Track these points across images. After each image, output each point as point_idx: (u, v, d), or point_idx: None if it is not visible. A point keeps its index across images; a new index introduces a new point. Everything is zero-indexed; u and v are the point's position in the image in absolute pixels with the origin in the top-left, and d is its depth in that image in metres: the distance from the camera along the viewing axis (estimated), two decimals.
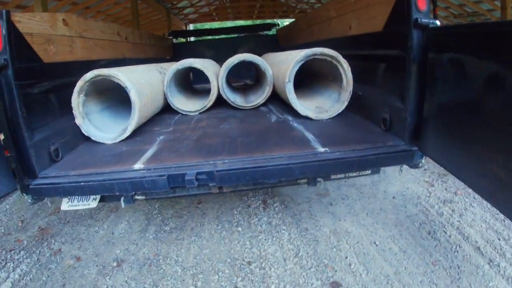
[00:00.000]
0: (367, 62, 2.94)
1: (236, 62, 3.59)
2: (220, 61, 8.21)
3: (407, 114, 2.25)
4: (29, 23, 2.34)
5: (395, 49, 2.44)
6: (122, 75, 2.69)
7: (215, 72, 3.82)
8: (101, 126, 2.85)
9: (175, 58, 7.45)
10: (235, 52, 8.14)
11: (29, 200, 2.18)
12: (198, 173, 2.02)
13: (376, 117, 2.68)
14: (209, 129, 2.91)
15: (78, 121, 2.70)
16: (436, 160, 2.16)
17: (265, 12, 17.45)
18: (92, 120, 2.82)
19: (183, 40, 9.72)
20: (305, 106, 3.08)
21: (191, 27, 18.23)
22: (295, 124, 2.88)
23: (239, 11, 16.69)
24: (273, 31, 9.04)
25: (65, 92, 2.67)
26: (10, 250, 3.13)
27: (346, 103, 2.99)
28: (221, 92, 3.63)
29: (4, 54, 2.05)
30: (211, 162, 2.15)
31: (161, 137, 2.78)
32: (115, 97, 3.29)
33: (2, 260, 2.99)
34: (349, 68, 2.91)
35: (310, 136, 2.51)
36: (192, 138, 2.67)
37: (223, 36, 9.42)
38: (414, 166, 2.33)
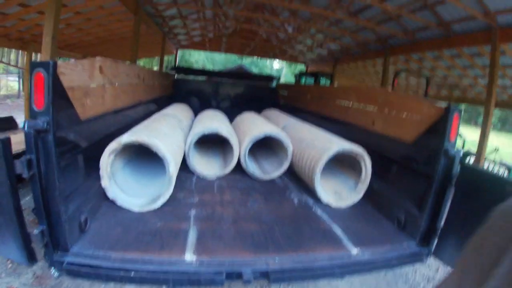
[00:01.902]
0: (387, 162, 3.17)
1: (261, 136, 3.68)
2: (217, 101, 8.35)
3: (423, 222, 2.58)
4: (72, 75, 2.21)
5: (420, 164, 2.74)
6: (163, 145, 2.69)
7: (235, 136, 3.90)
8: (125, 188, 2.79)
9: (175, 95, 7.54)
10: (233, 97, 8.34)
11: (55, 275, 1.99)
12: (253, 271, 2.09)
13: (390, 214, 2.94)
14: (239, 207, 2.97)
15: (105, 182, 2.62)
16: (451, 264, 2.47)
17: (256, 51, 18.00)
18: (117, 181, 2.76)
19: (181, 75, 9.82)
20: (323, 189, 3.23)
21: (179, 53, 18.38)
22: (319, 212, 3.01)
23: (231, 45, 17.10)
24: (273, 84, 9.32)
25: (92, 150, 2.56)
26: None
27: (362, 194, 3.22)
28: (242, 162, 3.70)
29: (46, 114, 1.84)
30: (263, 259, 2.21)
31: (193, 212, 2.77)
32: (134, 151, 3.30)
33: None
34: (371, 164, 3.14)
35: (338, 230, 2.67)
36: (227, 220, 2.70)
37: (222, 79, 9.58)
38: (421, 262, 2.60)
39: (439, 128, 2.52)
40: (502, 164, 12.65)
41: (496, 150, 13.87)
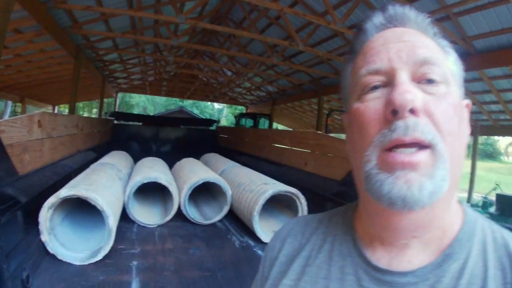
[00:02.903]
0: (321, 199, 3.40)
1: (200, 183, 3.78)
2: (157, 146, 8.36)
3: None
4: (11, 132, 2.26)
5: (351, 199, 2.96)
6: (101, 198, 2.69)
7: (174, 183, 3.96)
8: (65, 242, 2.71)
9: (115, 141, 7.46)
10: (174, 141, 8.41)
11: None
12: None
13: None
14: (181, 255, 2.98)
15: (44, 237, 2.55)
16: None
17: (197, 94, 18.33)
18: (57, 235, 2.69)
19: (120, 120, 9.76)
20: (262, 230, 3.37)
21: (118, 96, 18.22)
22: (260, 252, 3.12)
23: (172, 89, 17.29)
24: (213, 127, 9.53)
25: (31, 205, 2.53)
26: None
27: None
28: (182, 209, 3.74)
29: None
30: None
31: (135, 263, 2.74)
32: (73, 204, 3.24)
33: None
34: (306, 203, 3.34)
35: None
36: (170, 269, 2.70)
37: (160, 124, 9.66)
38: None
39: None
40: None
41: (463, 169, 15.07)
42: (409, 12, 0.66)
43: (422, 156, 0.53)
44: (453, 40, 6.65)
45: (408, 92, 0.54)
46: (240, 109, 22.30)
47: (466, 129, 0.64)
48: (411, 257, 0.60)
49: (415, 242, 0.60)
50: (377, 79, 0.60)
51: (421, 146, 0.54)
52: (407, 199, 0.52)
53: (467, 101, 0.67)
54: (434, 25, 0.66)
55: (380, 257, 0.62)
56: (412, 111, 0.54)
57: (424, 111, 0.55)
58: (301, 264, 0.70)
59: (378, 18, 0.67)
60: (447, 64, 0.63)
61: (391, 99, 0.55)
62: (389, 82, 0.59)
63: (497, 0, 5.36)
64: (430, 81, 0.58)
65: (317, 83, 11.42)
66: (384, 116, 0.56)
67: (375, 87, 0.60)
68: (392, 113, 0.55)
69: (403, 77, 0.57)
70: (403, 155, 0.53)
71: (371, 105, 0.59)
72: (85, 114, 33.83)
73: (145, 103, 37.91)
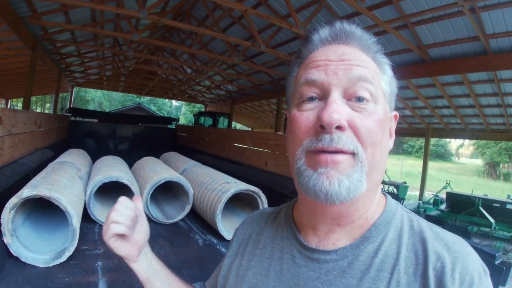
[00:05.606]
0: (282, 197, 3.56)
1: (162, 181, 3.80)
2: (115, 144, 8.24)
3: None
4: None
5: None
6: (64, 198, 2.67)
7: (136, 183, 3.97)
8: (28, 244, 2.66)
9: (71, 138, 7.27)
10: (132, 139, 8.30)
11: None
12: None
13: None
14: None
15: (7, 239, 2.50)
16: None
17: (155, 91, 18.03)
18: (19, 237, 2.64)
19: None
20: (225, 227, 3.48)
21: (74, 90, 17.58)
22: (223, 250, 3.21)
23: (130, 85, 16.89)
24: (172, 125, 9.49)
25: None
26: None
27: None
28: (144, 208, 3.71)
29: None
30: None
31: (100, 264, 2.75)
32: (33, 204, 3.19)
33: None
34: (266, 201, 3.49)
35: None
36: None
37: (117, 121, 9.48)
38: None
39: None
40: (391, 183, 14.17)
41: (384, 171, 15.74)
42: (355, 30, 0.75)
43: (342, 157, 0.66)
44: (409, 48, 7.08)
45: (336, 112, 0.65)
46: (199, 107, 22.19)
47: (390, 138, 0.78)
48: (336, 240, 0.75)
49: (339, 229, 0.75)
50: (313, 91, 0.72)
51: (343, 152, 0.66)
52: (329, 194, 0.65)
53: (395, 113, 0.81)
54: (377, 43, 0.76)
55: (311, 240, 0.78)
56: (339, 127, 0.66)
57: (350, 126, 0.67)
58: (253, 247, 0.89)
59: (324, 33, 0.76)
60: (380, 83, 0.74)
61: (321, 116, 0.67)
62: (324, 96, 0.71)
63: (453, 12, 5.79)
64: (359, 99, 0.69)
65: (277, 84, 11.63)
66: (314, 127, 0.69)
67: (312, 98, 0.72)
68: (321, 127, 0.67)
69: (335, 95, 0.68)
70: (326, 154, 0.66)
71: (305, 114, 0.72)
72: (38, 109, 32.23)
73: (100, 99, 36.70)
